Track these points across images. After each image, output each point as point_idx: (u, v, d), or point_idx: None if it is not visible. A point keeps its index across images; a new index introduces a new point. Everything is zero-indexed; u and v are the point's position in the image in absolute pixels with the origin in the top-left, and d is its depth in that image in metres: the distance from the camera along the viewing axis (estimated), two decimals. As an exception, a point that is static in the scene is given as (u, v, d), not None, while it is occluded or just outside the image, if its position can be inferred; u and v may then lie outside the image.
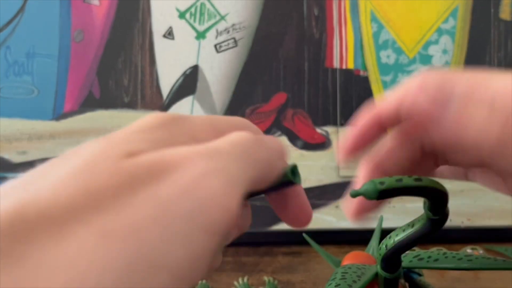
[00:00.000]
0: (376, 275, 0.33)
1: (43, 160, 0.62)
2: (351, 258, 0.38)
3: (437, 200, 0.24)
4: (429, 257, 0.33)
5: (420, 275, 0.36)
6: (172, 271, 0.14)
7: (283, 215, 0.22)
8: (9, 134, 0.69)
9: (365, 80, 0.71)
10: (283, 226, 0.65)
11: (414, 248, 0.34)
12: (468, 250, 0.61)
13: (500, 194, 0.32)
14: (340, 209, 0.68)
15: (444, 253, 0.33)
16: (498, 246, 0.63)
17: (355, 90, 0.70)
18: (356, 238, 0.58)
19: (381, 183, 0.22)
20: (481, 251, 0.60)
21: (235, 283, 0.60)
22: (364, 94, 0.70)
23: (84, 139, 0.70)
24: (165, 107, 0.70)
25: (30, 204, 0.14)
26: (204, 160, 0.16)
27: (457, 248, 0.61)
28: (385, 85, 0.70)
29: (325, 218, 0.67)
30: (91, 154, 0.16)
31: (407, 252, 0.31)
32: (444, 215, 0.26)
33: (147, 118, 0.19)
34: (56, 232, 0.13)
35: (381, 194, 0.22)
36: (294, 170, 0.21)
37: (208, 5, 0.70)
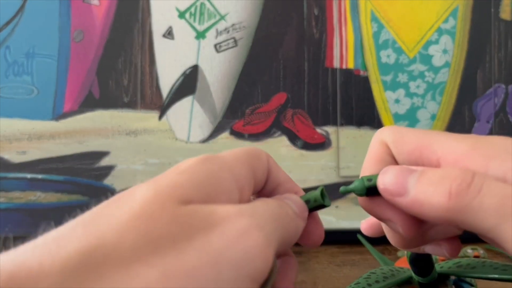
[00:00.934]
0: (412, 279, 0.33)
1: (43, 160, 0.61)
2: (403, 262, 0.38)
3: None
4: (468, 264, 0.33)
5: (472, 285, 0.36)
6: None
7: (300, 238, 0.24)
8: (9, 134, 0.69)
9: (365, 80, 0.70)
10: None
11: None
12: (468, 250, 0.61)
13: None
14: (340, 209, 0.68)
15: (483, 262, 0.32)
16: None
17: (355, 90, 0.70)
18: (356, 238, 0.58)
19: (369, 179, 0.23)
20: (481, 251, 0.60)
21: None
22: (364, 94, 0.70)
23: (84, 139, 0.70)
24: (165, 107, 0.70)
25: (97, 246, 0.16)
26: (247, 217, 0.19)
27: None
28: (385, 85, 0.70)
29: (325, 218, 0.67)
30: (146, 200, 0.18)
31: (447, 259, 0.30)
32: None
33: (191, 160, 0.21)
34: (123, 270, 0.15)
35: (369, 191, 0.23)
36: (322, 193, 0.23)
37: (208, 5, 0.70)
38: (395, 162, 0.24)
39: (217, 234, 0.17)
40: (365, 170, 0.25)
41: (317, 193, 0.24)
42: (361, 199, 0.24)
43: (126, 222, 0.17)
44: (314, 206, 0.24)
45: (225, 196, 0.20)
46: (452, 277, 0.35)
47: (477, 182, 0.19)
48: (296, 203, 0.23)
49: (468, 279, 0.36)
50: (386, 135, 0.24)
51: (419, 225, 0.23)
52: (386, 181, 0.22)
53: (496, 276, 0.31)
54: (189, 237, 0.17)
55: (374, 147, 0.25)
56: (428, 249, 0.26)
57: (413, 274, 0.32)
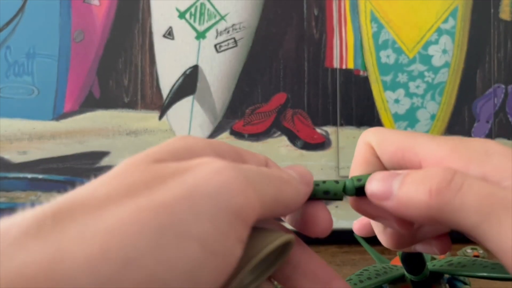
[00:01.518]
0: (405, 277, 0.33)
1: (43, 160, 0.62)
2: (399, 260, 0.39)
3: None
4: (459, 263, 0.33)
5: (465, 283, 0.36)
6: (202, 243, 0.16)
7: (305, 227, 0.23)
8: (9, 134, 0.69)
9: (365, 80, 0.71)
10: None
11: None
12: (468, 250, 0.61)
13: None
14: (340, 209, 0.68)
15: (474, 261, 0.33)
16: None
17: (355, 90, 0.70)
18: (355, 238, 0.58)
19: (359, 179, 0.23)
20: (481, 251, 0.60)
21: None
22: (364, 94, 0.70)
23: (85, 139, 0.70)
24: (165, 107, 0.70)
25: (70, 199, 0.16)
26: (225, 163, 0.18)
27: (457, 248, 0.61)
28: (385, 85, 0.70)
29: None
30: (125, 164, 0.18)
31: (439, 257, 0.31)
32: None
33: (171, 140, 0.21)
34: (96, 213, 0.15)
35: (359, 191, 0.23)
36: (345, 188, 0.23)
37: (208, 5, 0.71)
38: (380, 162, 0.25)
39: (191, 174, 0.17)
40: (353, 171, 0.25)
41: (339, 187, 0.23)
42: (352, 200, 0.24)
43: (100, 180, 0.18)
44: (328, 198, 0.23)
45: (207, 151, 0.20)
46: (446, 276, 0.35)
47: (457, 180, 0.20)
48: (297, 171, 0.23)
49: (462, 277, 0.36)
50: (370, 137, 0.25)
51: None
52: (372, 186, 0.22)
53: (485, 274, 0.31)
54: (162, 180, 0.17)
55: (359, 149, 0.25)
56: (419, 248, 0.26)
57: (405, 272, 0.33)
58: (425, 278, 0.33)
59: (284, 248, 0.21)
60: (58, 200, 0.16)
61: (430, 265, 0.33)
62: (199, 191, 0.17)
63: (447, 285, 0.36)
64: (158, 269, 0.15)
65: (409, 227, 0.23)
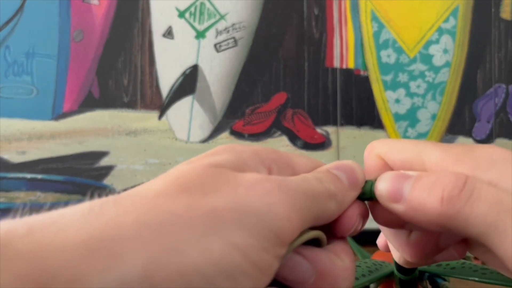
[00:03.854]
0: (393, 274, 0.34)
1: (42, 160, 0.61)
2: (381, 254, 0.39)
3: None
4: (447, 264, 0.34)
5: (445, 280, 0.37)
6: (243, 252, 0.17)
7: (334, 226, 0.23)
8: (8, 134, 0.69)
9: (366, 80, 0.70)
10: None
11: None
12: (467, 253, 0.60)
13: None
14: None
15: (463, 263, 0.34)
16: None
17: (355, 89, 0.70)
18: (356, 239, 0.58)
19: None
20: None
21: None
22: (364, 93, 0.70)
23: (84, 139, 0.70)
24: (164, 107, 0.70)
25: (131, 190, 0.18)
26: (274, 183, 0.19)
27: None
28: (386, 85, 0.70)
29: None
30: (182, 165, 0.20)
31: None
32: None
33: (220, 146, 0.22)
34: (151, 203, 0.17)
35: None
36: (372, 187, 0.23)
37: (208, 5, 0.70)
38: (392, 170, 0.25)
39: (244, 189, 0.18)
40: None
41: (368, 186, 0.23)
42: (374, 211, 0.23)
43: (158, 178, 0.19)
44: (362, 198, 0.23)
45: (252, 170, 0.21)
46: (426, 273, 0.36)
47: (468, 188, 0.20)
48: (348, 173, 0.22)
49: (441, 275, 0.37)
50: (378, 148, 0.25)
51: None
52: (382, 187, 0.22)
53: (476, 279, 0.32)
54: (217, 186, 0.18)
55: (369, 160, 0.25)
56: (439, 257, 0.26)
57: (395, 270, 0.33)
58: (414, 278, 0.33)
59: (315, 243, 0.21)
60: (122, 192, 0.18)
61: None
62: (249, 207, 0.18)
63: (427, 282, 0.37)
64: (202, 262, 0.16)
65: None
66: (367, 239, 0.28)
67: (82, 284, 0.14)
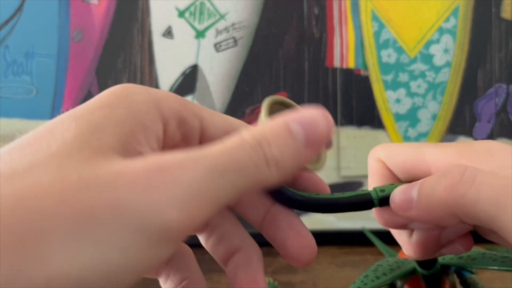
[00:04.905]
0: (416, 270, 0.34)
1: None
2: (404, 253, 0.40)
3: None
4: (468, 256, 0.34)
5: (472, 273, 0.37)
6: (120, 249, 0.15)
7: (283, 251, 0.23)
8: (8, 134, 0.69)
9: (366, 80, 0.70)
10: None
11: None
12: (474, 249, 0.60)
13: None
14: (341, 210, 0.68)
15: (483, 253, 0.34)
16: (498, 246, 0.63)
17: (356, 89, 0.70)
18: (356, 239, 0.58)
19: (382, 190, 0.23)
20: (486, 251, 0.60)
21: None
22: (364, 93, 0.70)
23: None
24: (164, 107, 0.70)
25: None
26: (167, 172, 0.17)
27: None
28: (386, 85, 0.70)
29: (325, 219, 0.67)
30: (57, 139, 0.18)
31: None
32: None
33: (113, 92, 0.20)
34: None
35: (382, 201, 0.23)
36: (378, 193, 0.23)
37: (207, 4, 0.70)
38: (393, 174, 0.26)
39: (125, 182, 0.16)
40: (370, 186, 0.26)
41: (365, 198, 0.24)
42: (377, 214, 0.24)
43: (13, 155, 0.17)
44: (363, 201, 0.23)
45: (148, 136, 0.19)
46: (452, 267, 0.36)
47: (469, 174, 0.20)
48: (304, 124, 0.19)
49: (468, 268, 0.37)
50: (379, 153, 0.26)
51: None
52: (395, 199, 0.23)
53: (496, 267, 0.33)
54: (95, 180, 0.16)
55: (371, 166, 0.26)
56: (444, 251, 0.26)
57: (417, 266, 0.33)
58: (436, 272, 0.33)
59: None
60: None
61: (440, 259, 0.34)
62: (127, 205, 0.16)
63: (455, 275, 0.37)
64: (71, 267, 0.14)
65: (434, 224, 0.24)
66: (390, 238, 0.28)
67: None
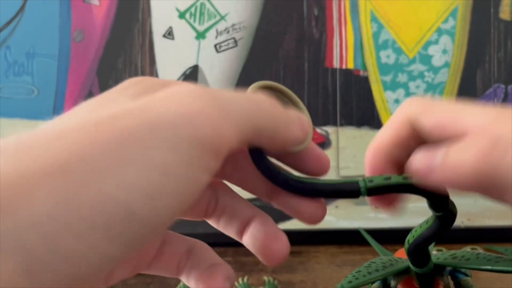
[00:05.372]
0: (410, 269, 0.34)
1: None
2: (403, 252, 0.39)
3: (431, 198, 0.25)
4: (463, 256, 0.34)
5: (466, 275, 0.37)
6: (161, 170, 0.16)
7: (298, 214, 0.24)
8: (9, 134, 0.69)
9: (365, 80, 0.71)
10: (282, 226, 0.64)
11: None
12: (468, 249, 0.61)
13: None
14: (340, 209, 0.68)
15: (477, 254, 0.34)
16: (498, 246, 0.63)
17: (355, 90, 0.70)
18: (356, 238, 0.58)
19: (370, 180, 0.23)
20: (481, 251, 0.60)
21: (235, 283, 0.60)
22: (364, 94, 0.70)
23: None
24: (165, 107, 0.70)
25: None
26: (197, 89, 0.18)
27: (457, 248, 0.61)
28: (385, 85, 0.70)
29: (325, 218, 0.67)
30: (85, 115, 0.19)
31: (444, 250, 0.31)
32: (448, 211, 0.26)
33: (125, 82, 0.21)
34: (59, 123, 0.18)
35: (370, 191, 0.23)
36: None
37: (208, 5, 0.70)
38: (413, 137, 0.24)
39: (157, 101, 0.17)
40: (380, 148, 0.25)
41: (353, 187, 0.24)
42: (374, 205, 0.25)
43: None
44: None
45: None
46: (448, 268, 0.36)
47: (503, 144, 0.19)
48: (293, 113, 0.23)
49: (463, 270, 0.37)
50: (413, 107, 0.24)
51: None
52: (416, 161, 0.22)
53: (489, 267, 0.32)
54: (131, 111, 0.17)
55: (396, 124, 0.25)
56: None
57: (410, 265, 0.33)
58: (429, 270, 0.33)
59: None
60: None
61: (434, 258, 0.34)
62: (163, 120, 0.16)
63: (449, 277, 0.37)
64: (118, 191, 0.15)
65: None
66: (389, 238, 0.28)
67: None
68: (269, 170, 0.23)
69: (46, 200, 0.14)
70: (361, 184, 0.23)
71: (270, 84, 0.23)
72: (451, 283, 0.37)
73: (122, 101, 0.18)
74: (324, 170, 0.24)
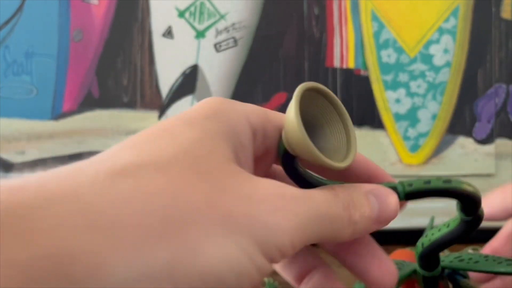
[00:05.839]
0: (415, 272, 0.34)
1: (42, 160, 0.61)
2: (397, 254, 0.39)
3: (468, 202, 0.25)
4: (470, 258, 0.33)
5: (465, 277, 0.37)
6: (250, 256, 0.17)
7: (365, 278, 0.23)
8: (7, 134, 0.69)
9: (366, 80, 0.70)
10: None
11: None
12: (469, 250, 0.60)
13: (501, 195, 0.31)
14: (341, 210, 0.68)
15: (486, 256, 0.33)
16: None
17: (356, 89, 0.70)
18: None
19: (410, 184, 0.23)
20: (488, 254, 0.60)
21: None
22: (364, 93, 0.70)
23: (83, 139, 0.69)
24: (164, 106, 0.70)
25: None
26: (291, 202, 0.19)
27: (459, 249, 0.61)
28: (386, 85, 0.70)
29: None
30: (188, 139, 0.19)
31: (446, 252, 0.31)
32: (477, 216, 0.26)
33: (207, 105, 0.21)
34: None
35: (408, 196, 0.23)
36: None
37: (207, 4, 0.70)
38: None
39: (259, 198, 0.18)
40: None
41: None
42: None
43: (161, 144, 0.19)
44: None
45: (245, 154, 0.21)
46: (446, 270, 0.36)
47: None
48: (381, 200, 0.22)
49: (461, 271, 0.36)
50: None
51: None
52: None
53: (502, 270, 0.31)
54: (233, 187, 0.18)
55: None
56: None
57: (417, 268, 0.33)
58: (438, 274, 0.33)
59: None
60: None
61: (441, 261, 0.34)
62: (261, 220, 0.18)
63: (447, 279, 0.36)
64: (219, 264, 0.16)
65: None
66: (386, 238, 0.28)
67: (104, 271, 0.13)
68: (301, 178, 0.23)
69: (161, 256, 0.15)
70: (400, 188, 0.23)
71: (315, 86, 0.23)
72: (450, 285, 0.36)
73: None
74: (391, 284, 0.23)
